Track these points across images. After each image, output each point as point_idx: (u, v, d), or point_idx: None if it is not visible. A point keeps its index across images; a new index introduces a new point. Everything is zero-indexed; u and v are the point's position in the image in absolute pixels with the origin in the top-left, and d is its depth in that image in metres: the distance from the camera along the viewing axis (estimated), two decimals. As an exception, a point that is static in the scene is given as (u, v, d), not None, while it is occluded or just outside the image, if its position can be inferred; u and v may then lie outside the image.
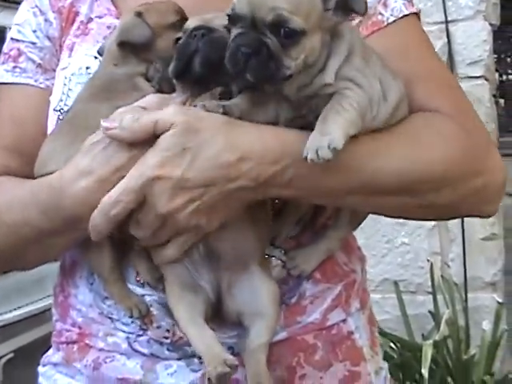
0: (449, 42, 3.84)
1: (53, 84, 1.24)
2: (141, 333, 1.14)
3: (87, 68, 1.14)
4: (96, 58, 1.15)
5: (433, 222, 3.85)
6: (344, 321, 1.20)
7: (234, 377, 1.05)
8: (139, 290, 1.14)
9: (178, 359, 1.13)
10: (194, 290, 1.06)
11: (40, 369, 1.31)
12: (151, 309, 1.12)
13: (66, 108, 1.13)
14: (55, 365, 1.26)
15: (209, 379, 0.96)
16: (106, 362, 1.17)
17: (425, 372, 3.10)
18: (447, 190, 1.07)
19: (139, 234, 0.99)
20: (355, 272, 1.26)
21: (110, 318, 1.17)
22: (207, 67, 0.97)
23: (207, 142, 0.93)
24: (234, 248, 1.05)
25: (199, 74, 0.98)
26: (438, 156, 1.07)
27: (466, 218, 3.72)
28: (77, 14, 1.25)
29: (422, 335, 3.68)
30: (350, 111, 0.96)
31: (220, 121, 0.96)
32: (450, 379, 3.30)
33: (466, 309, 3.71)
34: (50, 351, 1.31)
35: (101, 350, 1.18)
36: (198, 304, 1.06)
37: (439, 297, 3.71)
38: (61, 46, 1.25)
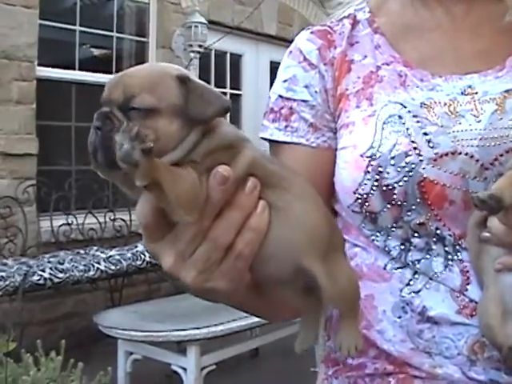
0: None
1: (324, 141, 1.24)
2: (469, 364, 1.11)
3: (400, 117, 1.14)
4: (404, 106, 1.15)
5: None
6: None
7: None
8: (466, 321, 1.13)
9: None
10: None
11: None
12: (482, 339, 1.10)
13: (378, 154, 1.13)
14: None
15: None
16: None
17: None
18: None
19: None
20: None
21: (427, 352, 1.13)
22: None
23: None
24: None
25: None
26: None
27: None
28: (351, 62, 1.25)
29: None
30: None
31: None
32: None
33: None
34: None
35: (429, 379, 1.13)
36: None
37: None
38: (333, 96, 1.25)
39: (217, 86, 8.25)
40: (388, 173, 1.11)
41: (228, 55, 8.49)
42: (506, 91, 1.13)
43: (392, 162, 1.10)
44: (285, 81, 1.28)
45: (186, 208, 0.82)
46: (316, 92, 1.25)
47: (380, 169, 1.12)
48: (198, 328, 4.15)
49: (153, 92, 0.84)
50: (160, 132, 0.83)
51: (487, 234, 1.03)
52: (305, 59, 1.27)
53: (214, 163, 0.83)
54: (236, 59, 8.61)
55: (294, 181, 0.96)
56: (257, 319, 4.40)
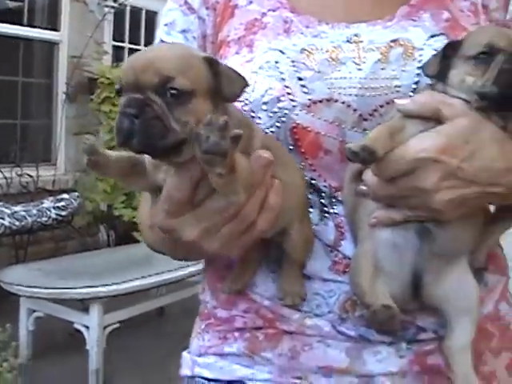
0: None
1: None
2: (339, 321, 1.10)
3: (276, 63, 1.11)
4: (283, 53, 1.12)
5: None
6: (507, 312, 1.20)
7: (436, 362, 1.08)
8: (338, 278, 1.10)
9: (388, 344, 1.09)
10: (392, 263, 1.04)
11: (198, 359, 1.21)
12: (354, 297, 1.07)
13: (251, 99, 1.10)
14: (226, 355, 1.17)
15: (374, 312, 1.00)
16: (304, 350, 1.11)
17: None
18: None
19: (384, 189, 1.00)
20: (508, 266, 1.24)
21: (297, 309, 1.11)
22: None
23: (485, 144, 0.96)
24: (453, 240, 1.03)
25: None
26: None
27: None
28: (235, 6, 1.21)
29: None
30: None
31: (493, 130, 0.98)
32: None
33: None
34: (208, 340, 1.21)
35: (297, 335, 1.12)
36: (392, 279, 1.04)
37: None
38: (213, 43, 1.23)
39: (131, 42, 8.11)
40: (260, 118, 1.09)
41: (143, 12, 8.35)
42: (393, 41, 1.10)
43: (264, 107, 1.09)
44: (166, 24, 1.27)
45: (244, 190, 0.87)
46: (194, 38, 1.24)
47: (252, 114, 1.10)
48: (100, 286, 4.14)
49: (186, 74, 0.86)
50: (200, 114, 0.85)
51: (363, 188, 1.02)
52: (185, 3, 1.25)
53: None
54: (151, 16, 8.48)
55: (286, 153, 1.05)
56: (161, 278, 4.45)
